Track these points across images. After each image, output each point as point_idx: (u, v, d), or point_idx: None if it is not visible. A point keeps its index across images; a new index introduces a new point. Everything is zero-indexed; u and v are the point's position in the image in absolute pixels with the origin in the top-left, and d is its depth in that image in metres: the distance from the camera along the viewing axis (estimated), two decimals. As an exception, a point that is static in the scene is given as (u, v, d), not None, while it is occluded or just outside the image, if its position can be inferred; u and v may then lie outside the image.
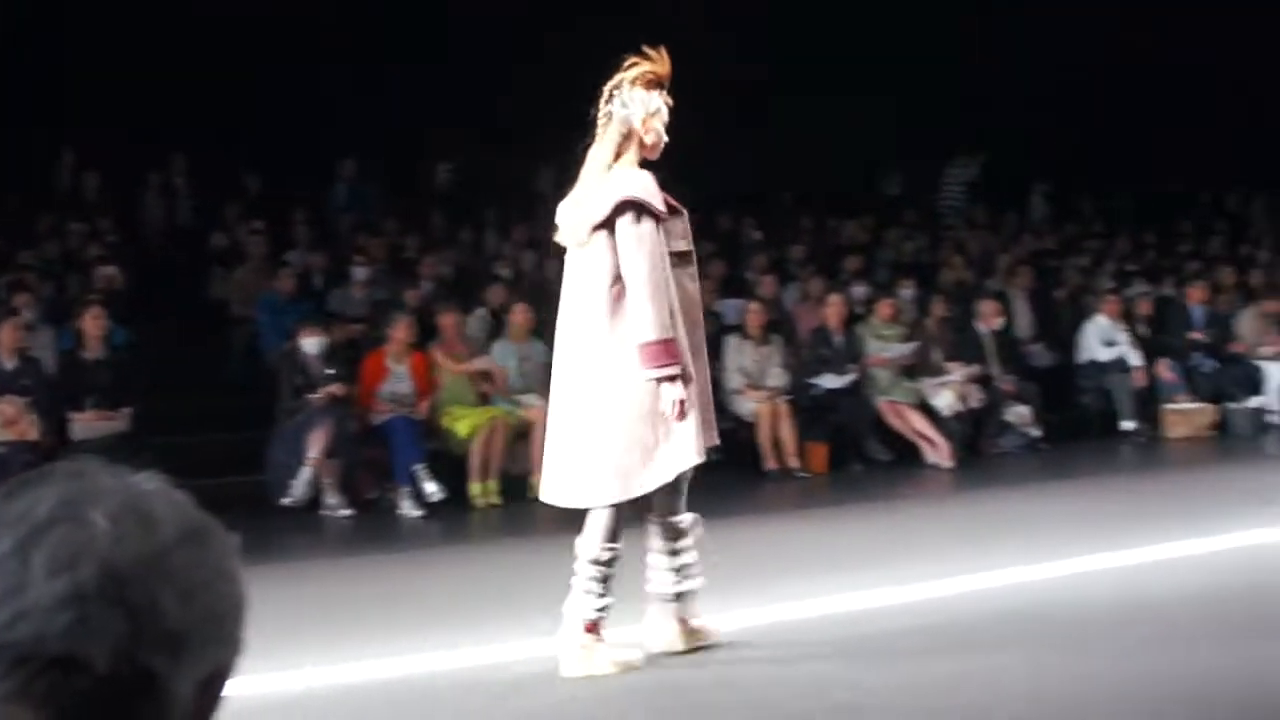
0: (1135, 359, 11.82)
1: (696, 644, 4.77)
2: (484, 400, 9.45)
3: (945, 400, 10.64)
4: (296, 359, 9.01)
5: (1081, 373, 12.01)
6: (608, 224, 4.45)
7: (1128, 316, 12.20)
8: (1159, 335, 12.41)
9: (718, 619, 5.06)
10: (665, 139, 4.59)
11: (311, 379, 8.92)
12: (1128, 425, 11.66)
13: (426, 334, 9.56)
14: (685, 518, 4.69)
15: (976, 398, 10.86)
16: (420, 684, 4.62)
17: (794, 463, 9.97)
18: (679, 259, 4.56)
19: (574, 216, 4.56)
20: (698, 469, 4.63)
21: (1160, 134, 16.89)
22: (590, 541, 4.58)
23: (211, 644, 0.94)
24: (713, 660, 4.71)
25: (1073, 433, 11.67)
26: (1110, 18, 16.63)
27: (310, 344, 9.02)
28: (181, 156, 12.58)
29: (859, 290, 11.90)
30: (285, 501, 8.59)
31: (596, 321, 4.48)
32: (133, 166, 12.27)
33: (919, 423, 10.52)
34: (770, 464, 9.82)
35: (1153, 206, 16.75)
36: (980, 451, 10.87)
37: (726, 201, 14.18)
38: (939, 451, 10.37)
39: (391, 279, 11.14)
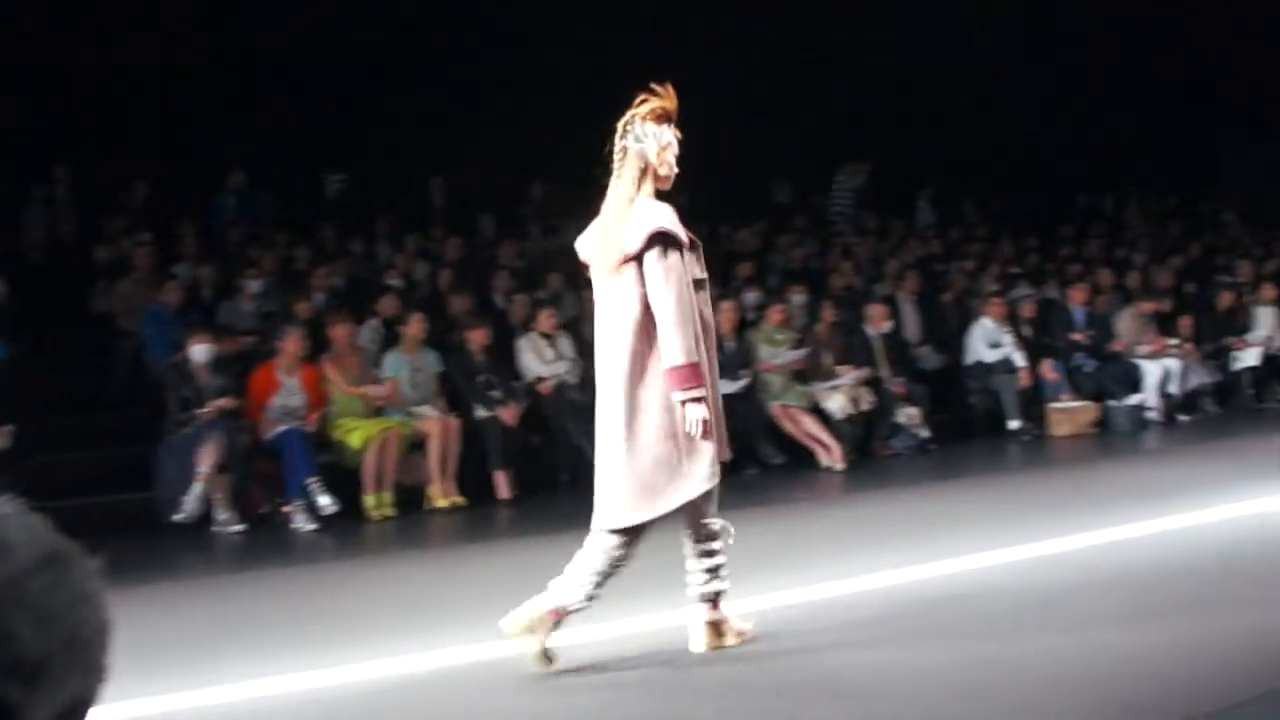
0: (1020, 360, 12.08)
1: (732, 642, 4.90)
2: (377, 411, 9.37)
3: (837, 403, 10.78)
4: (184, 370, 8.85)
5: (968, 374, 12.24)
6: (638, 256, 4.61)
7: (1012, 318, 12.45)
8: (1042, 336, 12.70)
9: (608, 626, 5.09)
10: (676, 170, 4.77)
11: (200, 391, 8.76)
12: (1014, 424, 11.93)
13: (318, 346, 9.45)
14: (716, 521, 4.83)
15: (867, 400, 11.02)
16: (319, 699, 4.58)
17: (688, 468, 10.02)
18: (696, 287, 4.74)
19: (602, 248, 4.71)
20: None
21: (1037, 140, 17.32)
22: (607, 536, 4.69)
23: (72, 672, 0.90)
24: (613, 665, 4.74)
25: (961, 433, 11.91)
26: (994, 25, 17.03)
27: (199, 351, 8.85)
28: (63, 169, 12.30)
29: (750, 296, 12.01)
30: (176, 518, 8.44)
31: (625, 349, 4.65)
32: (13, 179, 11.97)
33: (811, 426, 10.66)
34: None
35: (1033, 211, 17.13)
36: (872, 453, 11.05)
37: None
38: (831, 454, 10.52)
39: (282, 291, 10.99)
